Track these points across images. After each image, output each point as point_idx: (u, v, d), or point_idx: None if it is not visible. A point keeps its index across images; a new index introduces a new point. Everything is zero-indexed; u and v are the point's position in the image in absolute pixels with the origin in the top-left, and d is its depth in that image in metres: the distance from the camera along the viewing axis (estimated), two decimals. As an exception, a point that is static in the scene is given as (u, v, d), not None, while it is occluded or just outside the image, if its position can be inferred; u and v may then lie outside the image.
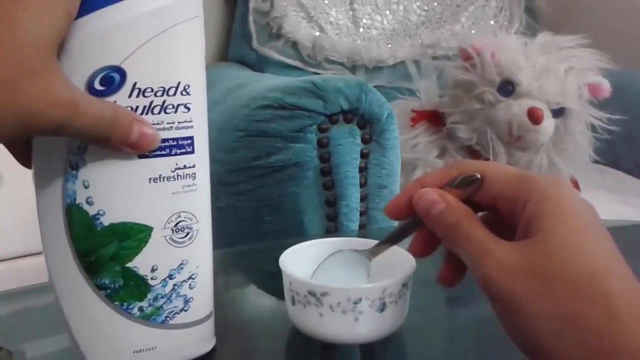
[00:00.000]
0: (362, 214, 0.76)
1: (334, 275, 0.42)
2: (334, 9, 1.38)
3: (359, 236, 0.63)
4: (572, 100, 0.98)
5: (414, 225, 0.36)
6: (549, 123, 0.96)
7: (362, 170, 0.76)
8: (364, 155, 0.76)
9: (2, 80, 0.27)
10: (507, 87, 0.97)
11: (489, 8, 1.46)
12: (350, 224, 0.75)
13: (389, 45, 1.40)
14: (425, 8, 1.45)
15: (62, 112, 0.29)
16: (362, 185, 0.76)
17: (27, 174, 0.34)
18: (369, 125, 0.75)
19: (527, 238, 0.30)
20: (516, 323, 0.29)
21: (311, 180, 0.74)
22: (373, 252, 0.41)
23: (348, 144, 0.74)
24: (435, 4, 1.45)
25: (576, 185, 1.03)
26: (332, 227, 0.75)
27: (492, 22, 1.46)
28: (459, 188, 0.34)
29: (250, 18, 1.34)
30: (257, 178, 0.76)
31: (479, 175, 0.34)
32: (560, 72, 0.97)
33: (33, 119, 0.28)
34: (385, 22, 1.42)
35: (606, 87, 1.00)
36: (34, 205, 0.34)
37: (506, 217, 0.33)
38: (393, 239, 0.39)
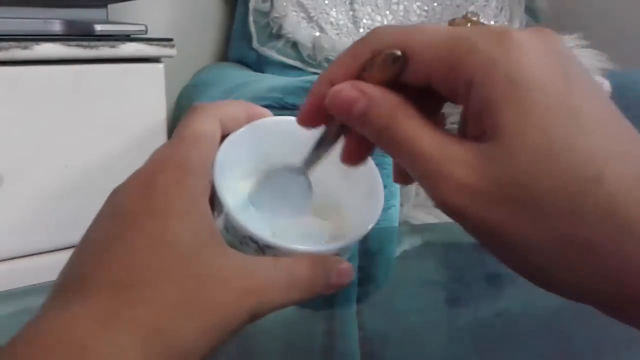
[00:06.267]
0: (362, 214, 0.76)
1: (274, 202, 0.34)
2: (334, 9, 1.38)
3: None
4: (572, 100, 0.97)
5: (341, 130, 0.29)
6: (549, 123, 0.96)
7: (362, 170, 0.76)
8: (364, 155, 0.75)
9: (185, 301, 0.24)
10: (507, 87, 0.97)
11: (489, 8, 1.46)
12: (350, 224, 0.75)
13: (389, 46, 1.40)
14: (425, 8, 1.45)
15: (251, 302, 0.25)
16: (362, 185, 0.76)
17: (27, 174, 0.34)
18: (369, 125, 0.75)
19: (484, 136, 0.23)
20: (503, 254, 0.23)
21: (311, 180, 0.74)
22: (307, 165, 0.32)
23: (348, 144, 0.74)
24: (435, 4, 1.45)
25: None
26: (332, 227, 0.75)
27: (492, 22, 1.46)
28: (377, 73, 0.26)
29: (250, 18, 1.34)
30: (257, 178, 0.76)
31: (399, 52, 0.25)
32: (560, 72, 0.97)
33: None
34: (385, 22, 1.42)
35: (606, 87, 1.00)
36: (34, 205, 0.34)
37: (450, 101, 0.25)
38: (318, 150, 0.31)
